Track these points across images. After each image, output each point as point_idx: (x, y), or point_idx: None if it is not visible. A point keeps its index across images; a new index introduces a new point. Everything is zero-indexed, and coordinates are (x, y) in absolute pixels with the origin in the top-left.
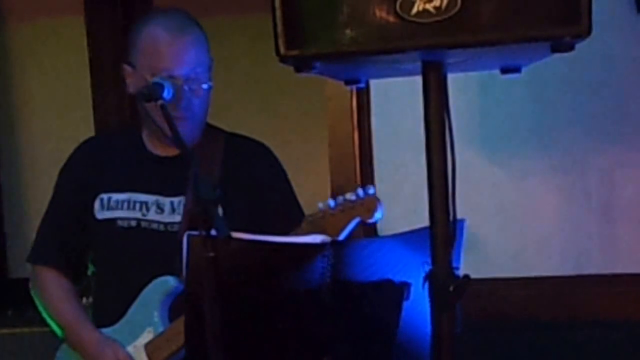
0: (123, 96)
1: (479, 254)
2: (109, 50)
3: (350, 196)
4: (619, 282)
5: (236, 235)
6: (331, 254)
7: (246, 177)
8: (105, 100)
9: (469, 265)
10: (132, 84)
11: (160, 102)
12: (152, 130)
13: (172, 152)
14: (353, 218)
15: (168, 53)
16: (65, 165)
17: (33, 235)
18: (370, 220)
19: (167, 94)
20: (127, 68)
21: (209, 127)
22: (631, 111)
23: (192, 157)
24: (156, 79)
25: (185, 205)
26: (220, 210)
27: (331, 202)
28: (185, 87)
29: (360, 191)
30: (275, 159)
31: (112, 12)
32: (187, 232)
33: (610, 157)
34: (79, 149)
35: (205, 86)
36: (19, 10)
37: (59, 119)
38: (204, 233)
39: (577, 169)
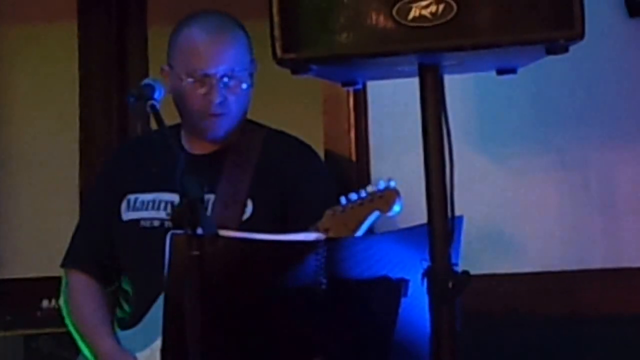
0: (110, 103)
1: (480, 250)
2: (100, 58)
3: (371, 189)
4: (623, 275)
5: (224, 233)
6: (325, 251)
7: (280, 174)
8: (93, 108)
9: (469, 261)
10: (169, 85)
11: (150, 102)
12: (189, 129)
13: (207, 149)
14: (372, 211)
15: (204, 53)
16: (101, 168)
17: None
18: (389, 214)
19: (158, 94)
20: (166, 68)
21: (251, 123)
22: (629, 107)
23: (180, 158)
24: (147, 81)
25: (214, 204)
26: (250, 205)
27: (353, 195)
28: (221, 85)
29: (381, 183)
30: (315, 158)
31: (106, 19)
32: (170, 231)
33: (609, 153)
34: (114, 151)
35: (244, 85)
36: (9, 13)
37: (45, 125)
38: (189, 231)
39: (577, 165)
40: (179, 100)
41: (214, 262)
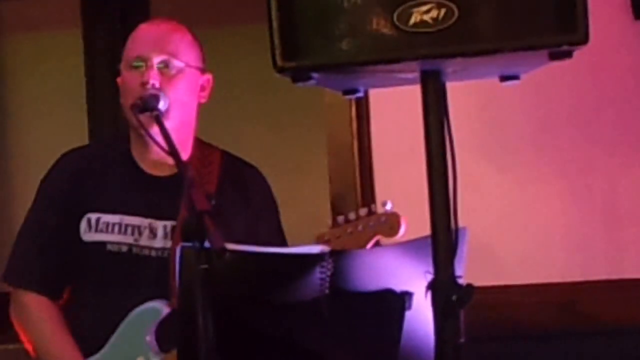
0: (119, 111)
1: (483, 262)
2: (106, 65)
3: (367, 212)
4: (626, 287)
5: (231, 246)
6: (330, 264)
7: (241, 199)
8: (101, 115)
9: (473, 273)
10: (120, 92)
11: (155, 113)
12: (143, 145)
13: (167, 171)
14: (374, 236)
15: (141, 37)
16: (47, 177)
17: None
18: (395, 238)
19: (163, 105)
20: (119, 79)
21: (203, 143)
22: (632, 116)
23: (185, 168)
24: (152, 91)
25: (173, 231)
26: None
27: (349, 217)
28: (156, 69)
29: (378, 207)
30: (268, 186)
31: (110, 26)
32: (180, 244)
33: (613, 162)
34: (62, 160)
35: (184, 80)
36: (15, 23)
37: (53, 133)
38: (197, 245)
39: (580, 175)
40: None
41: (222, 275)
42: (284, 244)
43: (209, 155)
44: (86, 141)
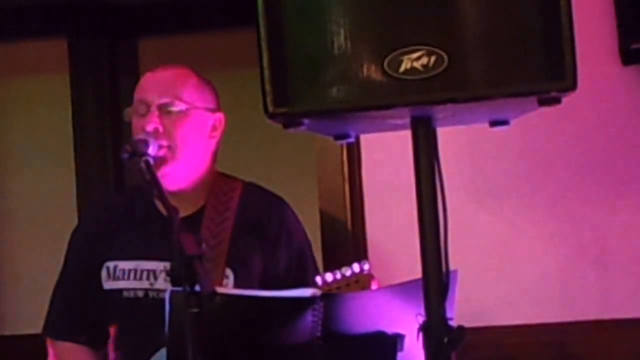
0: (106, 155)
1: (473, 303)
2: (93, 110)
3: (346, 271)
4: (615, 327)
5: (222, 290)
6: (322, 307)
7: (257, 231)
8: (88, 159)
9: (463, 314)
10: None
11: (144, 158)
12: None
13: (183, 212)
14: None
15: (144, 81)
16: (75, 231)
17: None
18: None
19: (152, 150)
20: None
21: (225, 176)
22: (620, 159)
23: (174, 213)
24: (141, 136)
25: None
26: (231, 277)
27: (328, 277)
28: (157, 112)
29: (355, 266)
30: (290, 217)
31: (97, 70)
32: (169, 289)
33: (601, 204)
34: (88, 213)
35: (190, 121)
36: (1, 67)
37: (40, 178)
38: (187, 289)
39: (568, 216)
40: None
41: (212, 318)
42: (310, 272)
43: (230, 189)
44: (73, 187)
